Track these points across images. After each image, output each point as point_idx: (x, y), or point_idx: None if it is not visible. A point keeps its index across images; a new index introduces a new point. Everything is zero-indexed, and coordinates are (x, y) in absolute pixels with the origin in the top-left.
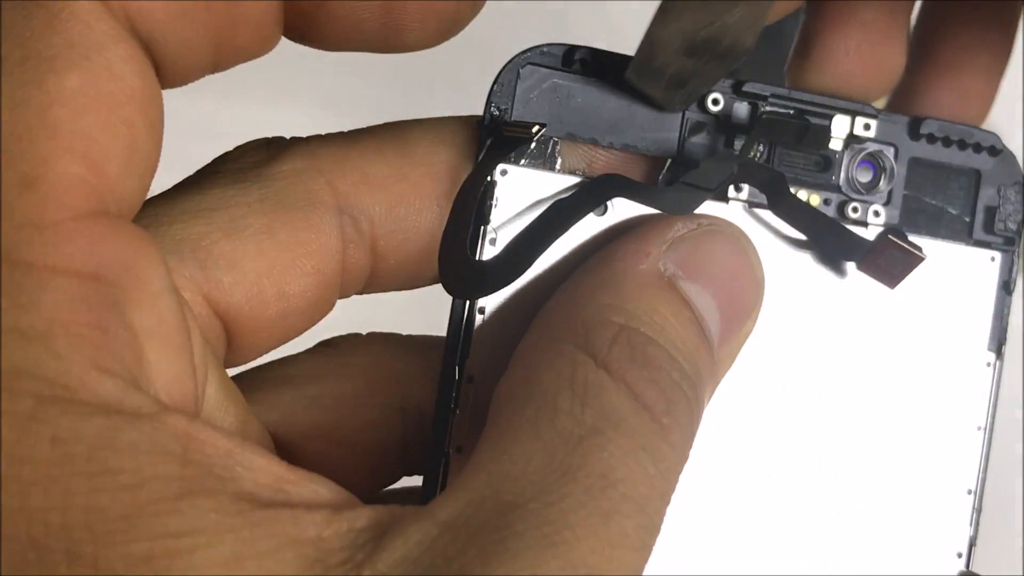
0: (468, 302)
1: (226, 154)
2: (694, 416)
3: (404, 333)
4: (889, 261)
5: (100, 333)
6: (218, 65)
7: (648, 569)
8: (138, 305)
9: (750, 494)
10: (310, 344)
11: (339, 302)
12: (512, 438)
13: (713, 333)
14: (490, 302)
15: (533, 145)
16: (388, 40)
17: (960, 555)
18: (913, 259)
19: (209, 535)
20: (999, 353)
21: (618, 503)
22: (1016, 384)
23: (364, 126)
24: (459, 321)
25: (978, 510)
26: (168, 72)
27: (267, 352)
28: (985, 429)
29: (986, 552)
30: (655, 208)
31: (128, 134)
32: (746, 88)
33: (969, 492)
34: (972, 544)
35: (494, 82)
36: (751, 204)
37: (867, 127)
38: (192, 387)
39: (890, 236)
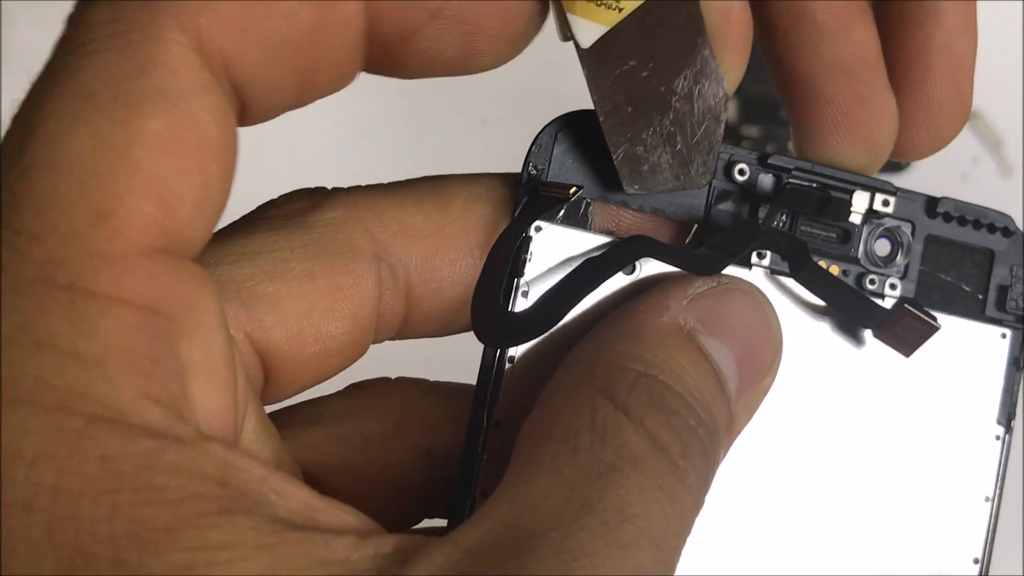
0: (499, 352)
1: (271, 201)
2: (710, 464)
3: (433, 379)
4: (905, 330)
5: (151, 363)
6: (300, 101)
7: None
8: (190, 339)
9: (757, 555)
10: (343, 385)
11: (372, 347)
12: (533, 473)
13: (731, 387)
14: (519, 351)
15: (567, 205)
16: (465, 65)
17: None
18: (928, 328)
19: (246, 550)
20: (1008, 427)
21: (635, 536)
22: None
23: (403, 175)
24: (489, 369)
25: None
26: (254, 111)
27: (303, 391)
28: (993, 500)
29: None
30: (681, 269)
31: (201, 179)
32: (771, 160)
33: (975, 561)
34: None
35: (532, 143)
36: (773, 271)
37: (886, 203)
38: (232, 420)
39: (907, 305)
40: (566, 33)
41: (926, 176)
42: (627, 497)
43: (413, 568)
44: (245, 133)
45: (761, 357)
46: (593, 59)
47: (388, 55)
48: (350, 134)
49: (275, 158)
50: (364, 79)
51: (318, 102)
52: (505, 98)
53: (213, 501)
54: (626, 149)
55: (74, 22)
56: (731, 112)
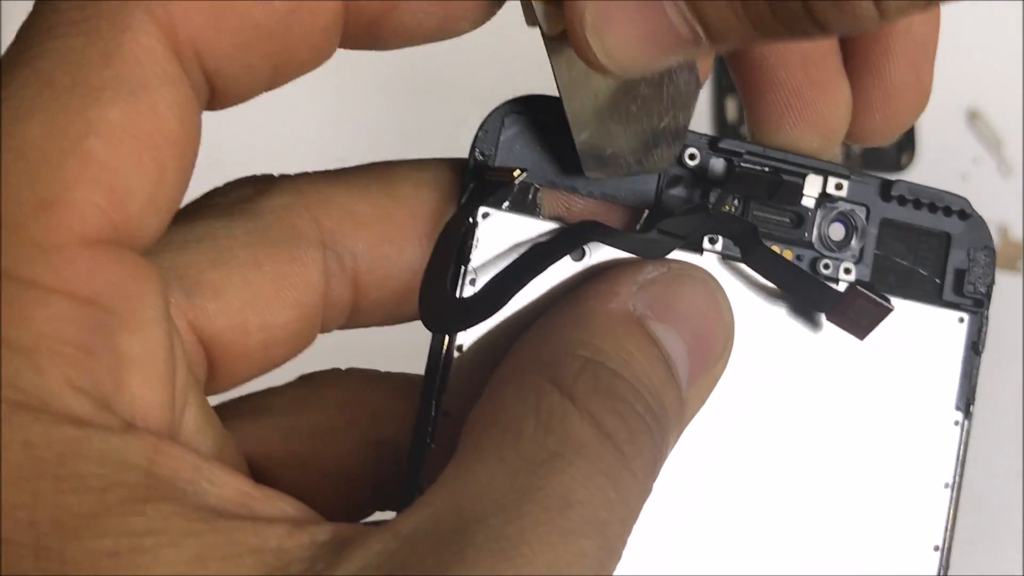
0: (447, 339)
1: (215, 189)
2: (658, 451)
3: (383, 370)
4: (858, 312)
5: (83, 353)
6: (274, 83)
7: None
8: (129, 333)
9: (709, 545)
10: (290, 378)
11: (321, 337)
12: (476, 460)
13: (681, 374)
14: (468, 340)
15: (515, 190)
16: (443, 33)
17: None
18: (881, 310)
19: (172, 536)
20: (967, 412)
21: (577, 524)
22: (1015, 383)
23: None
24: (437, 357)
25: (945, 567)
26: (227, 95)
27: (248, 381)
28: (953, 487)
29: (986, 552)
30: (630, 253)
31: (157, 173)
32: (722, 144)
33: (935, 549)
34: None
35: (479, 129)
36: (725, 256)
37: (839, 187)
38: (169, 413)
39: (859, 287)
40: (531, 18)
41: (926, 176)
42: (570, 484)
43: (349, 555)
44: (216, 128)
45: (712, 343)
46: (558, 45)
47: (367, 31)
48: (328, 135)
49: (248, 155)
50: (343, 78)
51: (296, 100)
52: (486, 98)
53: (138, 489)
54: (589, 133)
55: (42, 5)
56: (731, 112)
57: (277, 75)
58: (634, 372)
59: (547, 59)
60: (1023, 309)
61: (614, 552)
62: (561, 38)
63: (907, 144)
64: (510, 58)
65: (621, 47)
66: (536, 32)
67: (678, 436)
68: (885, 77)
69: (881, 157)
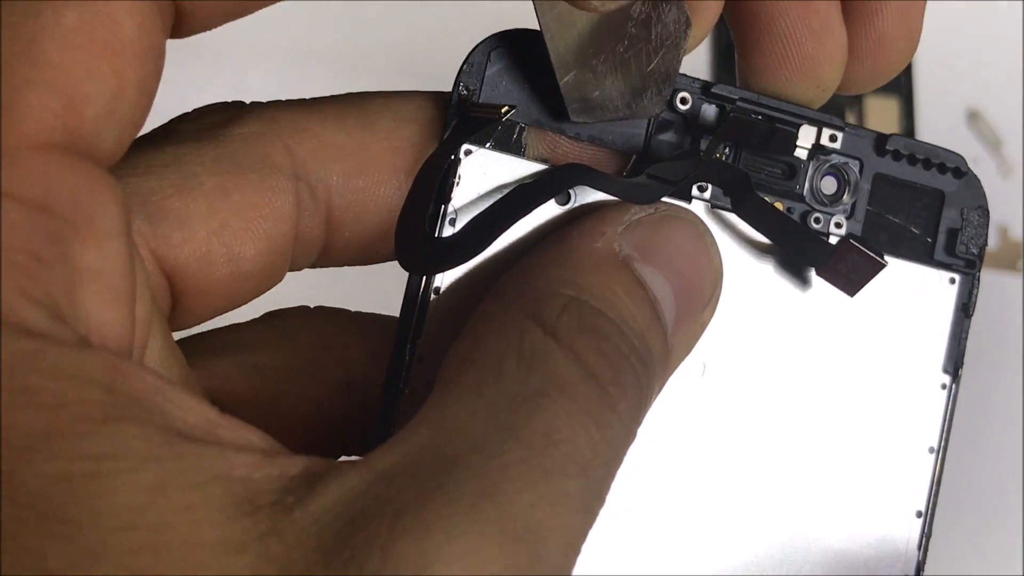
0: (424, 281)
1: (184, 115)
2: (643, 394)
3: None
4: (850, 267)
5: (34, 262)
6: (245, 8)
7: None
8: (84, 244)
9: (694, 500)
10: (259, 315)
11: (292, 277)
12: (455, 397)
13: (667, 317)
14: (446, 283)
15: (500, 129)
16: None
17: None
18: (875, 265)
19: (132, 461)
20: (955, 375)
21: (561, 463)
22: (1015, 383)
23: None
24: (413, 299)
25: (927, 534)
26: (193, 18)
27: (214, 316)
28: (938, 451)
29: (986, 552)
30: (617, 198)
31: (115, 82)
32: (715, 90)
33: (919, 515)
34: (920, 568)
35: (464, 62)
36: (714, 205)
37: (833, 138)
38: (128, 335)
39: (852, 241)
40: None
41: None
42: (553, 422)
43: (322, 490)
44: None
45: (700, 288)
46: None
47: None
48: None
49: None
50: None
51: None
52: None
53: (96, 407)
54: (574, 75)
55: None
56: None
57: None
58: (619, 312)
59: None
60: (1023, 309)
61: (598, 495)
62: None
63: None
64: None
65: None
66: None
67: (663, 383)
68: (878, 26)
69: None
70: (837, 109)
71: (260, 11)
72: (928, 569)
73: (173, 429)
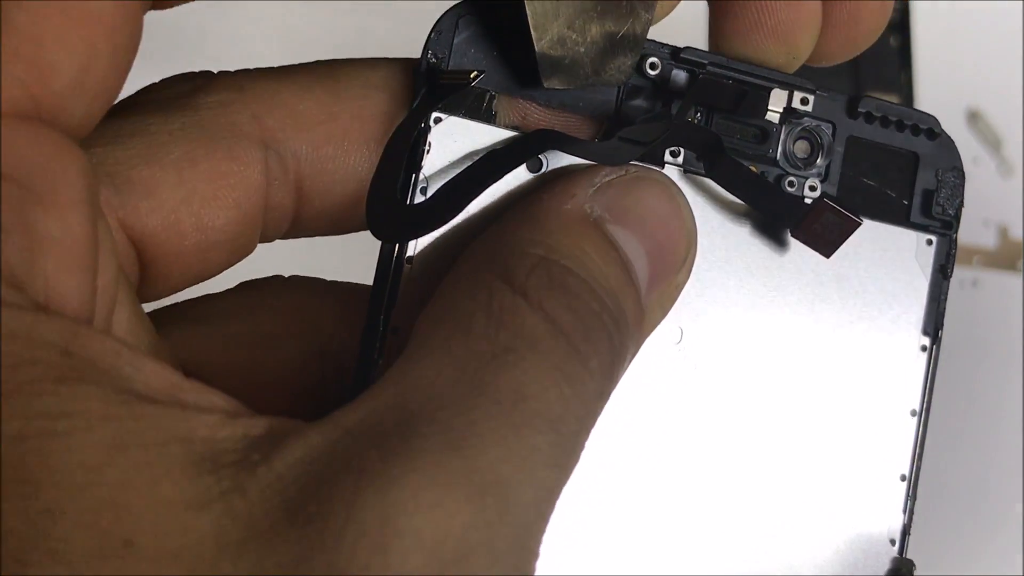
0: (396, 251)
1: (151, 85)
2: (616, 353)
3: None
4: (825, 227)
5: None
6: None
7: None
8: (45, 211)
9: (676, 460)
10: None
11: (268, 247)
12: (423, 356)
13: (640, 279)
14: (417, 251)
15: (470, 98)
16: None
17: (893, 542)
18: (850, 224)
19: (89, 420)
20: (935, 337)
21: (529, 417)
22: (1015, 383)
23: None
24: (386, 269)
25: (912, 497)
26: None
27: (185, 287)
28: (920, 414)
29: (986, 552)
30: (590, 161)
31: (86, 54)
32: (684, 55)
33: (903, 478)
34: (906, 532)
35: (432, 30)
36: (687, 170)
37: (804, 101)
38: (89, 303)
39: (827, 200)
40: None
41: None
42: (522, 378)
43: (286, 448)
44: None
45: (673, 250)
46: None
47: None
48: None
49: None
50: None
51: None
52: None
53: (52, 368)
54: (549, 40)
55: None
56: None
57: None
58: (590, 272)
59: None
60: (1023, 309)
61: (570, 452)
62: None
63: None
64: None
65: None
66: None
67: (638, 346)
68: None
69: None
70: None
71: (258, 12)
72: (928, 569)
73: (132, 391)
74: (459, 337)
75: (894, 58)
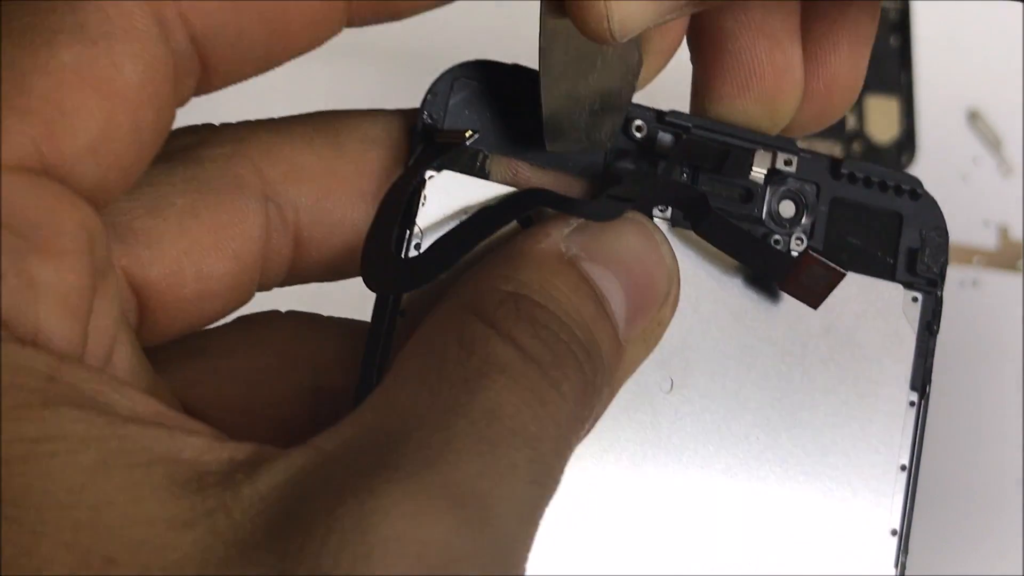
0: (391, 305)
1: None
2: (588, 382)
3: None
4: (811, 278)
5: None
6: (270, 58)
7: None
8: (41, 259)
9: (665, 509)
10: None
11: (260, 296)
12: (400, 384)
13: (618, 314)
14: (412, 306)
15: (465, 156)
16: None
17: None
18: (835, 275)
19: (72, 442)
20: (923, 393)
21: (506, 435)
22: (1016, 383)
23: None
24: (380, 322)
25: (904, 551)
26: (219, 70)
27: (182, 333)
28: (910, 469)
29: (986, 552)
30: (579, 218)
31: (104, 122)
32: (669, 118)
33: (893, 533)
34: None
35: (428, 92)
36: (674, 224)
37: (788, 163)
38: (79, 346)
39: (812, 252)
40: None
41: (926, 175)
42: (496, 399)
43: (268, 470)
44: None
45: (651, 285)
46: (555, 10)
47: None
48: None
49: None
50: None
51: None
52: None
53: (36, 394)
54: (556, 107)
55: None
56: None
57: (273, 48)
58: (559, 304)
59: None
60: (1023, 309)
61: (548, 471)
62: (559, 7)
63: (907, 144)
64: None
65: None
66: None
67: (621, 381)
68: (830, 69)
69: (881, 157)
70: None
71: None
72: (928, 570)
73: (117, 414)
74: (433, 364)
75: (894, 58)
